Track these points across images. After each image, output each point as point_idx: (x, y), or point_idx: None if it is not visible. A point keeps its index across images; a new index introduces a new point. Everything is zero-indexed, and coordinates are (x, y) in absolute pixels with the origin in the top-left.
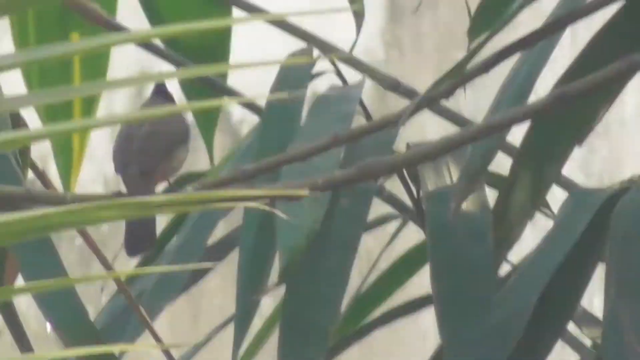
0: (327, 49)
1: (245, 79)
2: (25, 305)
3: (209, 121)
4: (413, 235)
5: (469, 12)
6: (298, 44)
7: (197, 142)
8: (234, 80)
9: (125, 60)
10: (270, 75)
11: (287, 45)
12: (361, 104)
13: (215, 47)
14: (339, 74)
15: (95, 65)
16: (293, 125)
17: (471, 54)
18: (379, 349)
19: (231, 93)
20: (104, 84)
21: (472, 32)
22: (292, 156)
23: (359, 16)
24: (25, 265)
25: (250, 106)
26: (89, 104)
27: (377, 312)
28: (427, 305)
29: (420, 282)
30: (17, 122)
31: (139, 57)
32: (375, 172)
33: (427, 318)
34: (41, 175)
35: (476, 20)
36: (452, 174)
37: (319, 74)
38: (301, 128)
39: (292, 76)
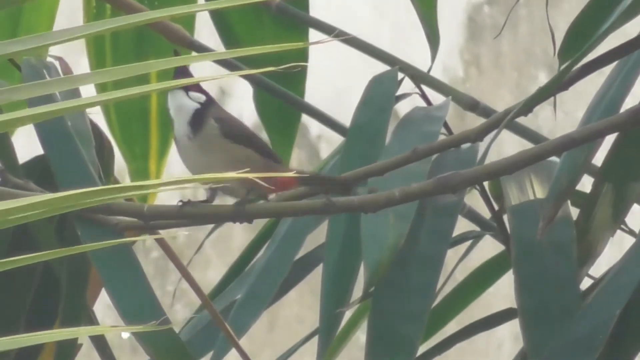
0: (408, 69)
1: (323, 95)
2: (101, 314)
3: (285, 140)
4: (487, 247)
5: (552, 32)
6: (377, 62)
7: None
8: (314, 98)
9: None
10: (348, 92)
11: (366, 61)
12: (445, 124)
13: (293, 66)
14: (423, 95)
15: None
16: (377, 145)
17: (562, 74)
18: (455, 358)
19: (309, 110)
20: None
21: (564, 54)
22: (370, 170)
23: (434, 41)
24: (107, 280)
25: (329, 123)
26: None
27: (452, 323)
28: (509, 319)
29: (495, 292)
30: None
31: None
32: (453, 185)
33: (503, 327)
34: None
35: (567, 41)
36: (535, 189)
37: (403, 96)
38: (386, 148)
39: (377, 97)
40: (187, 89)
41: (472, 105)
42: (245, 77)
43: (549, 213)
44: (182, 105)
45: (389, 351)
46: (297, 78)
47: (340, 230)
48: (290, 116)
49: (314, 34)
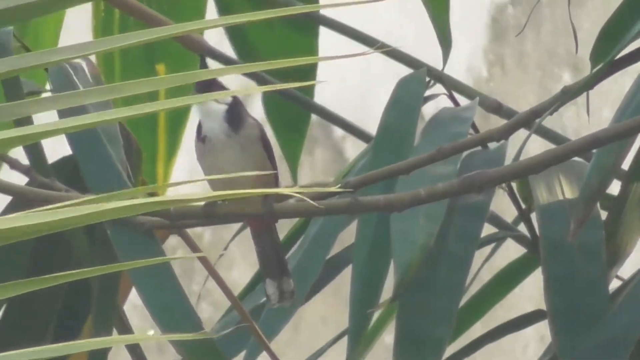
0: (432, 72)
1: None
2: (128, 314)
3: (294, 145)
4: (513, 247)
5: (575, 32)
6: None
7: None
8: (334, 100)
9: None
10: (372, 94)
11: (387, 61)
12: (473, 125)
13: (303, 68)
14: (451, 97)
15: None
16: (406, 147)
17: (594, 76)
18: (481, 359)
19: (318, 110)
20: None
21: (595, 56)
22: (396, 169)
23: (445, 45)
24: (137, 279)
25: (351, 128)
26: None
27: (477, 324)
28: (537, 320)
29: (520, 293)
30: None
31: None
32: (479, 184)
33: (529, 327)
34: (151, 191)
35: (598, 44)
36: (564, 189)
37: (431, 97)
38: (414, 149)
39: (405, 98)
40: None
41: (495, 108)
42: (254, 80)
43: (581, 215)
44: (212, 107)
45: (417, 352)
46: (308, 79)
47: (369, 230)
48: (299, 120)
49: (325, 35)
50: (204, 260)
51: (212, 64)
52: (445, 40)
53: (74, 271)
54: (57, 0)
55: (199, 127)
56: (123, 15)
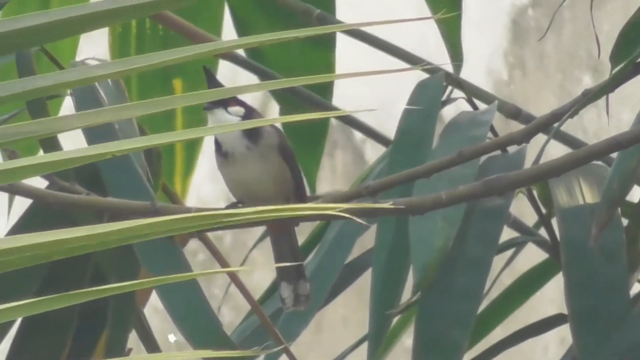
0: (451, 78)
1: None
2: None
3: (312, 156)
4: (534, 251)
5: (596, 34)
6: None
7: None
8: (355, 103)
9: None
10: (393, 97)
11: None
12: (491, 128)
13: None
14: (470, 100)
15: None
16: (424, 151)
17: (614, 78)
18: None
19: (350, 121)
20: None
21: (615, 58)
22: (416, 172)
23: (456, 61)
24: (160, 287)
25: (370, 132)
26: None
27: (498, 327)
28: (558, 324)
29: (541, 296)
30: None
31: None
32: (500, 187)
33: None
34: (172, 195)
35: (619, 46)
36: (584, 193)
37: (449, 101)
38: (432, 152)
39: (423, 102)
40: (225, 105)
41: (514, 113)
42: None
43: (602, 219)
44: (226, 119)
45: (436, 355)
46: (325, 87)
47: (388, 234)
48: (317, 131)
49: (343, 40)
50: (222, 262)
51: (225, 72)
52: (457, 58)
53: (91, 289)
54: (87, 19)
55: (217, 140)
56: (140, 30)
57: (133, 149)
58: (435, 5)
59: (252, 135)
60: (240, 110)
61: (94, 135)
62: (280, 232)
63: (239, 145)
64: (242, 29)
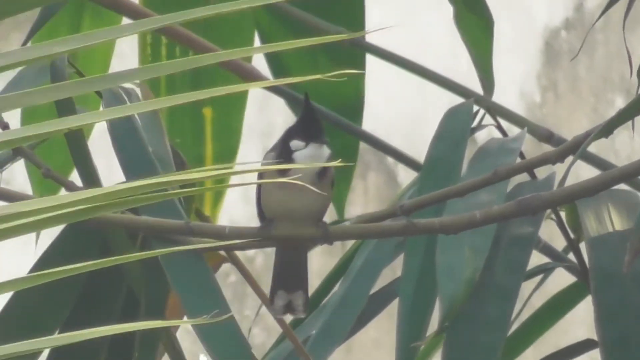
0: (483, 101)
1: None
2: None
3: (344, 179)
4: (564, 273)
5: (629, 56)
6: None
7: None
8: (386, 127)
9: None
10: (425, 120)
11: (441, 90)
12: (521, 155)
13: (350, 101)
14: (499, 127)
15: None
16: (453, 177)
17: None
18: None
19: (368, 138)
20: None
21: None
22: (450, 192)
23: (488, 88)
24: (187, 304)
25: (400, 156)
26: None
27: (529, 353)
28: (589, 349)
29: (572, 318)
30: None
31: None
32: (534, 207)
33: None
34: (204, 219)
35: None
36: (613, 219)
37: (478, 128)
38: (461, 180)
39: (452, 130)
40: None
41: (547, 137)
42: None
43: (636, 245)
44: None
45: None
46: (355, 111)
47: (416, 263)
48: (347, 154)
49: (374, 63)
50: (253, 284)
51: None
52: (487, 84)
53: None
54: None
55: (284, 156)
56: (169, 53)
57: (173, 182)
58: (467, 31)
59: (322, 171)
60: (299, 144)
61: (130, 166)
62: (291, 248)
63: (309, 176)
64: (272, 54)
